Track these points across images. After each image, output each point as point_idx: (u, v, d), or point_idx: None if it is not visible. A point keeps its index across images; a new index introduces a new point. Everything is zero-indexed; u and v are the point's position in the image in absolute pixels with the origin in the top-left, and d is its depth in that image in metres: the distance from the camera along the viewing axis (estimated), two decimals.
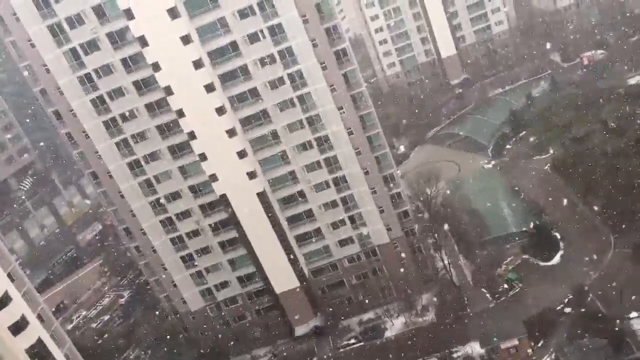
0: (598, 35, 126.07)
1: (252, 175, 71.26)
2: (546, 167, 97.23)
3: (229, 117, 69.29)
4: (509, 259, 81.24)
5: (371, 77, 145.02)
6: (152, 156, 72.34)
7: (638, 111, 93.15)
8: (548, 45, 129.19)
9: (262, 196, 72.50)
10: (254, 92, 70.11)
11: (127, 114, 70.29)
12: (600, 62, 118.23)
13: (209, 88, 67.14)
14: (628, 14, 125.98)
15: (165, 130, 71.06)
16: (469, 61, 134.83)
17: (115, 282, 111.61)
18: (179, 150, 71.95)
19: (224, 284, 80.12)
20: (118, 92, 69.28)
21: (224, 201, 72.48)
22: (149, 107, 69.87)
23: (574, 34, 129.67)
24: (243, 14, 66.66)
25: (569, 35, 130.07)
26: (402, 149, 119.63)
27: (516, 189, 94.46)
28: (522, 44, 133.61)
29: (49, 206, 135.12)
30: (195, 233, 76.45)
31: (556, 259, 78.71)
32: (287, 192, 75.25)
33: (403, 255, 78.37)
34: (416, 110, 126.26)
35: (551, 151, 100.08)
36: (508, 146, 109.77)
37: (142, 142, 71.64)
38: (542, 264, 78.63)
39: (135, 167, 72.84)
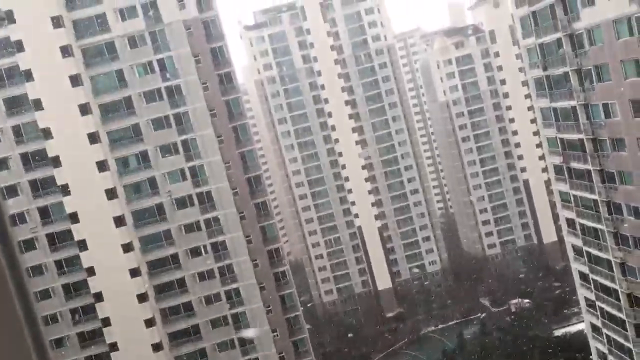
0: (523, 285, 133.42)
1: None
2: None
3: (150, 305, 66.83)
4: None
5: (308, 301, 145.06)
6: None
7: None
8: (478, 289, 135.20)
9: None
10: (181, 283, 68.59)
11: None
12: (527, 310, 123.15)
13: (142, 298, 65.84)
14: (548, 269, 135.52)
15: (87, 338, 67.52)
16: (404, 296, 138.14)
17: None
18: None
19: None
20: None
21: None
22: (73, 311, 67.26)
23: (501, 281, 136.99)
24: (188, 228, 68.42)
25: (497, 282, 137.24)
26: None
27: None
28: (454, 285, 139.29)
29: None
30: None
31: None
32: None
33: None
34: (350, 340, 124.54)
35: None
36: None
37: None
38: None
39: None
